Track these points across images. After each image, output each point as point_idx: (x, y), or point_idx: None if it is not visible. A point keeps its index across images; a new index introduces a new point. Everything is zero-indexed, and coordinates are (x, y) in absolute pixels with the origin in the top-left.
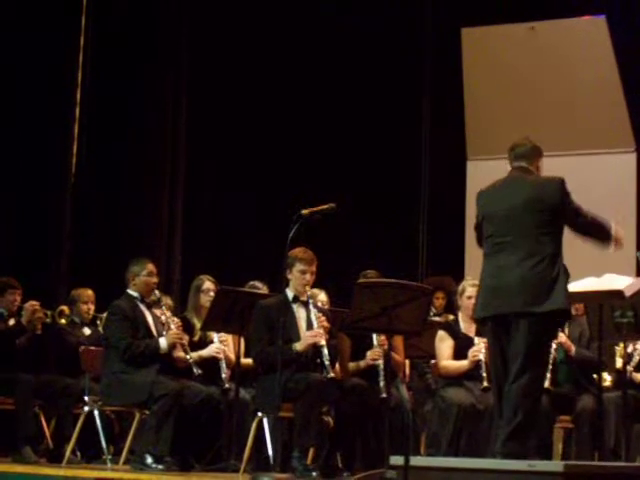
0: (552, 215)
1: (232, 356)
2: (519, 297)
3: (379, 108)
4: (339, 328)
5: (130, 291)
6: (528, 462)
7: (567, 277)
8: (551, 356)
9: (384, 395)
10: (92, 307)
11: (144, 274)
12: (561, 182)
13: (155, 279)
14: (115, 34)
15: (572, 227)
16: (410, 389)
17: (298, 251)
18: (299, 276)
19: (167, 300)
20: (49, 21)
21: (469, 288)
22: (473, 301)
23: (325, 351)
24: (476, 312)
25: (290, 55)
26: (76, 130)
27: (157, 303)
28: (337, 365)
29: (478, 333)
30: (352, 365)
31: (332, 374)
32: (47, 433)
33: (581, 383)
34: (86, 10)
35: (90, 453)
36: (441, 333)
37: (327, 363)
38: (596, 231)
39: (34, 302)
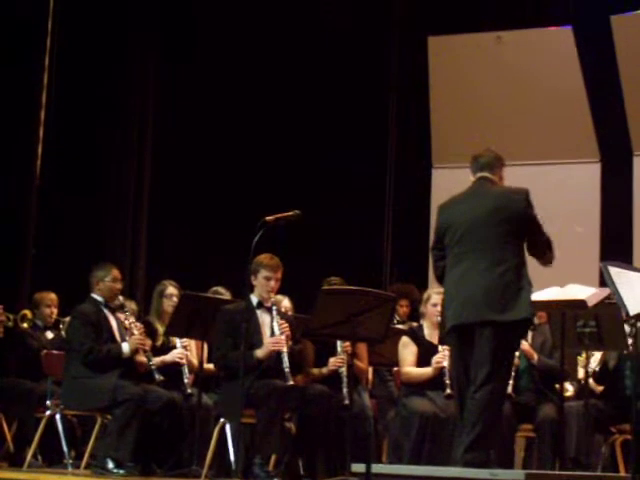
0: (516, 225)
1: (195, 361)
2: (484, 306)
3: (345, 115)
4: (302, 334)
5: (94, 295)
6: (490, 471)
7: (530, 286)
8: (514, 363)
9: (346, 402)
10: (55, 311)
11: (109, 279)
12: (526, 193)
13: (119, 285)
14: (82, 36)
15: (531, 244)
16: (373, 396)
17: (264, 257)
18: (264, 282)
19: (130, 305)
20: (15, 23)
21: (434, 295)
22: (438, 308)
23: (285, 358)
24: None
25: (257, 64)
26: (41, 133)
27: (121, 308)
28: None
29: (442, 341)
30: (315, 371)
31: (291, 381)
32: (8, 437)
33: (543, 392)
34: (53, 14)
35: (51, 457)
36: (404, 339)
37: (287, 370)
38: (548, 251)
39: None
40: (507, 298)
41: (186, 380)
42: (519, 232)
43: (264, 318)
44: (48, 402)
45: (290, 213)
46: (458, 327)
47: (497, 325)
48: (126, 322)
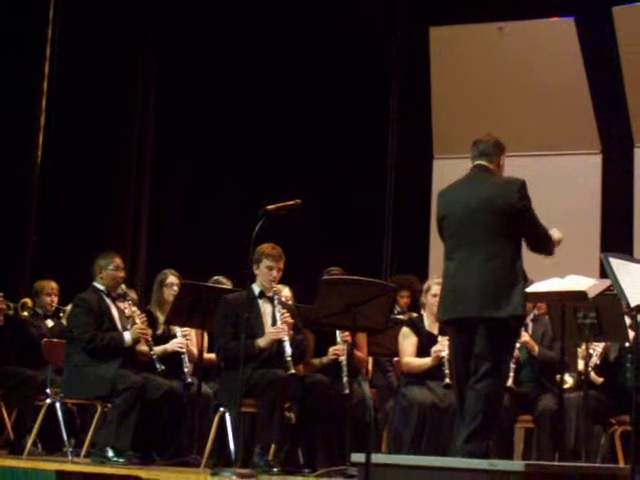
0: (510, 217)
1: (195, 350)
2: (478, 301)
3: (346, 106)
4: (303, 324)
5: (96, 284)
6: (489, 461)
7: (525, 281)
8: (514, 355)
9: (346, 392)
10: (55, 299)
11: (111, 268)
12: (521, 184)
13: (122, 273)
14: (83, 26)
15: (528, 238)
16: (373, 386)
17: (266, 247)
18: (266, 272)
19: (131, 294)
20: (16, 14)
21: (434, 286)
22: (438, 299)
23: (287, 347)
24: (439, 314)
25: (259, 53)
26: (42, 121)
27: (123, 296)
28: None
29: (442, 331)
30: (315, 361)
31: (293, 370)
32: (8, 424)
33: (542, 383)
34: (54, 3)
35: (51, 445)
36: (405, 330)
37: (288, 359)
38: (548, 243)
39: None
40: (500, 294)
41: (186, 369)
42: (512, 224)
43: (266, 308)
44: (48, 390)
45: (291, 202)
46: (453, 321)
47: (491, 321)
48: (127, 311)
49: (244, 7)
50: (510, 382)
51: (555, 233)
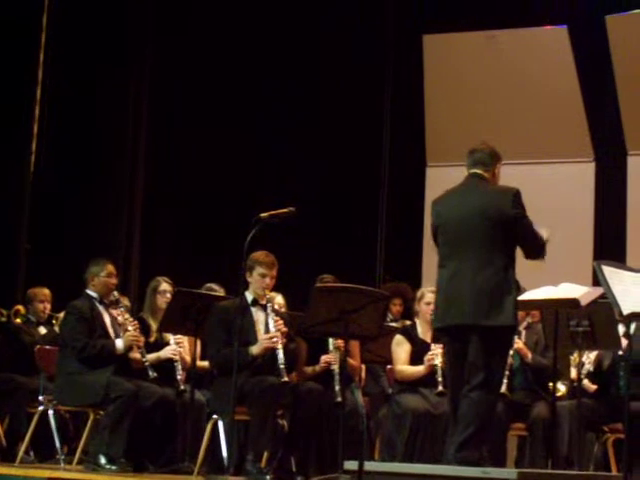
0: (504, 226)
1: (188, 358)
2: (471, 309)
3: (340, 113)
4: (295, 332)
5: (89, 291)
6: (482, 469)
7: (518, 290)
8: (508, 362)
9: (339, 399)
10: (48, 306)
11: (103, 275)
12: (514, 193)
13: (114, 280)
14: (76, 32)
15: (523, 247)
16: (366, 394)
17: (259, 255)
18: (259, 279)
19: (124, 301)
20: (9, 19)
21: (428, 294)
22: (432, 307)
23: (280, 355)
24: (434, 322)
25: (251, 61)
26: (35, 128)
27: (116, 303)
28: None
29: (435, 339)
30: (308, 369)
31: (286, 378)
32: (0, 432)
33: (536, 391)
34: (47, 9)
35: (44, 453)
36: (398, 337)
37: (282, 367)
38: (543, 250)
39: None
40: (493, 302)
41: (179, 377)
42: (506, 233)
43: (259, 315)
44: (41, 397)
45: (284, 210)
46: (447, 329)
47: (483, 329)
48: (119, 318)
49: (242, 11)
50: (504, 388)
51: (544, 232)
